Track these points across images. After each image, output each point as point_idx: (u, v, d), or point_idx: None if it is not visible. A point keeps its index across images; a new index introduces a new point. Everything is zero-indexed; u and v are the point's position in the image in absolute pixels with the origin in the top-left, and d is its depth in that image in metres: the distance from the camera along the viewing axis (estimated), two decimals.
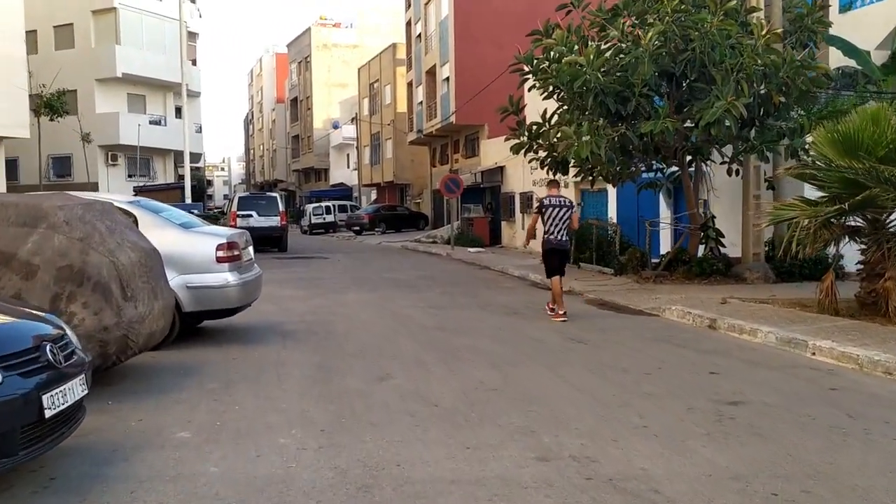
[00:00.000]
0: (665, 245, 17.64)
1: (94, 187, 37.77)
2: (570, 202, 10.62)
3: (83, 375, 4.23)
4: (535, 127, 14.82)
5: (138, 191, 32.79)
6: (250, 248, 8.93)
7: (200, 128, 45.48)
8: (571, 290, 13.93)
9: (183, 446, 4.73)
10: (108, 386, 6.17)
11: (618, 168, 13.48)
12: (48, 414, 3.76)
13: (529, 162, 15.80)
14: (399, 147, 47.35)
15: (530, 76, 14.19)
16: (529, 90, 14.66)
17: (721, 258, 14.38)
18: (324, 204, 47.99)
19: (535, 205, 10.82)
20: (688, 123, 12.99)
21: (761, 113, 13.06)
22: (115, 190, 37.37)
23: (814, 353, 7.65)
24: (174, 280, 7.67)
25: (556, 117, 14.60)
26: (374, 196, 55.48)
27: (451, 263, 21.46)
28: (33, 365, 3.81)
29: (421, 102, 40.24)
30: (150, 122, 39.63)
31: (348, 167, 60.76)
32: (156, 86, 40.32)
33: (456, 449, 4.63)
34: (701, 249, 14.81)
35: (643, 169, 15.41)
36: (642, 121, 12.54)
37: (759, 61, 11.80)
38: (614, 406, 5.65)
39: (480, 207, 32.08)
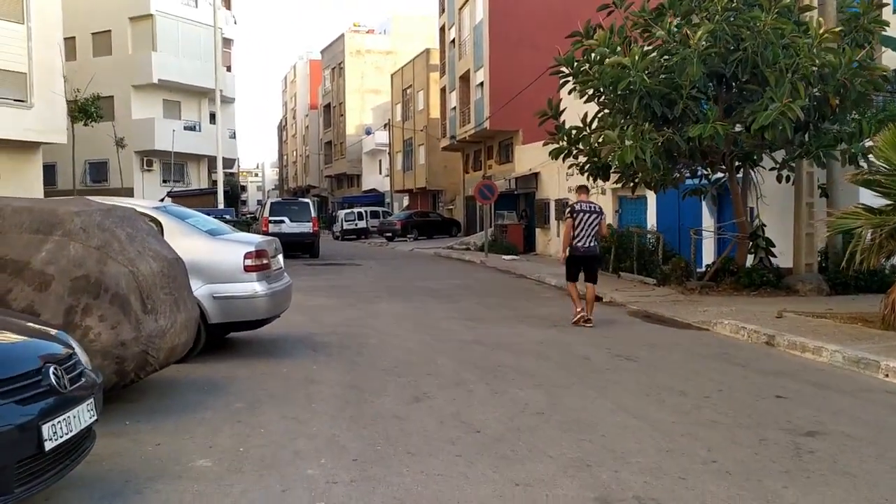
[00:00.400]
0: (708, 254, 16.96)
1: (129, 192, 38.01)
2: (600, 208, 10.56)
3: (92, 400, 3.82)
4: (574, 131, 14.28)
5: (172, 196, 32.90)
6: (280, 257, 8.52)
7: (234, 133, 45.56)
8: (613, 301, 13.37)
9: (202, 477, 4.29)
10: (127, 403, 5.79)
11: (662, 174, 12.88)
12: (49, 446, 3.34)
13: (569, 168, 15.25)
14: (432, 153, 47.01)
15: (570, 79, 13.68)
16: (570, 93, 14.14)
17: (771, 269, 13.70)
18: (356, 210, 47.80)
19: (567, 210, 10.96)
20: (738, 127, 12.37)
21: (816, 116, 12.39)
22: (150, 195, 37.61)
23: (887, 375, 7.02)
24: (200, 289, 7.29)
25: (596, 121, 14.07)
26: (406, 202, 55.21)
27: (485, 272, 20.96)
28: (33, 390, 3.40)
29: (454, 108, 39.85)
30: (185, 128, 39.76)
31: (380, 173, 60.62)
32: (191, 92, 40.46)
33: (504, 486, 4.13)
34: (749, 259, 14.15)
35: (687, 175, 14.80)
36: (690, 124, 11.95)
37: (817, 61, 11.15)
38: (677, 436, 5.11)
39: (514, 214, 31.54)
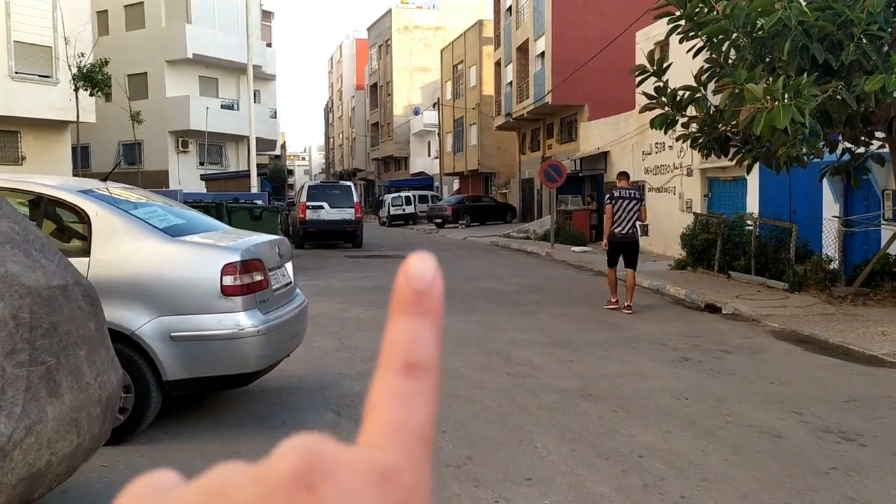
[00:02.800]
0: (830, 250, 13.58)
1: (163, 176, 35.79)
2: (640, 195, 10.69)
3: None
4: (682, 92, 11.04)
5: (206, 179, 30.46)
6: (288, 266, 5.59)
7: (275, 113, 43.01)
8: (738, 313, 10.19)
9: None
10: None
11: (815, 145, 9.56)
12: None
13: (677, 140, 12.00)
14: (484, 133, 43.81)
15: (682, 22, 10.45)
16: (681, 41, 10.91)
17: None
18: (403, 194, 44.99)
19: (606, 198, 10.90)
20: None
21: None
22: (186, 178, 35.28)
23: None
24: (147, 325, 4.42)
25: (711, 78, 10.81)
26: (455, 186, 52.15)
27: (555, 267, 17.81)
28: None
29: (510, 83, 36.52)
30: (222, 107, 37.31)
31: (429, 155, 57.60)
32: (229, 68, 38.01)
33: None
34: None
35: (825, 149, 11.43)
36: (859, 75, 8.66)
37: None
38: None
39: (579, 199, 28.26)
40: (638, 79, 11.42)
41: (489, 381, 6.30)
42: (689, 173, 20.26)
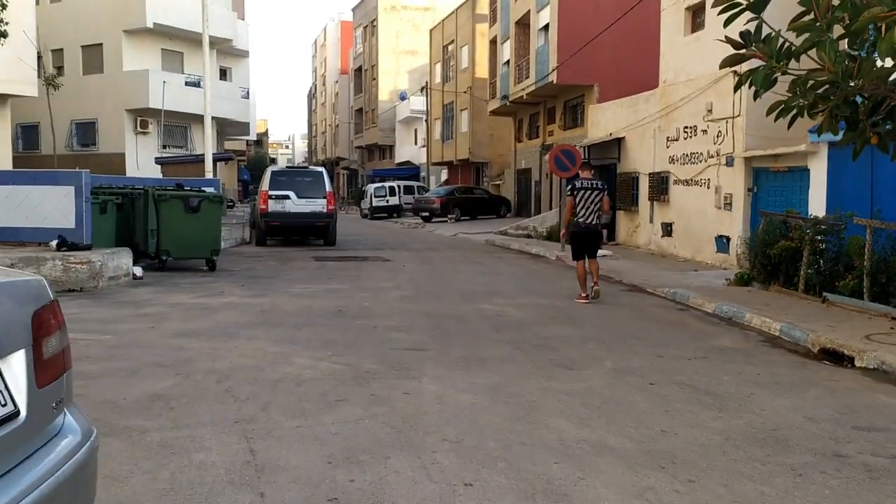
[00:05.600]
0: None
1: (119, 159, 31.89)
2: (602, 185, 10.55)
3: None
4: (784, 38, 7.43)
5: (160, 163, 26.69)
6: (17, 361, 1.95)
7: (248, 93, 39.10)
8: (889, 369, 6.63)
9: None
10: None
11: None
12: None
13: (769, 110, 8.36)
14: (476, 119, 40.14)
15: None
16: None
17: None
18: (387, 184, 41.40)
19: (567, 189, 10.78)
20: None
21: None
22: (144, 162, 31.36)
23: None
24: None
25: (840, 11, 7.22)
26: (444, 176, 48.46)
27: (572, 278, 14.17)
28: None
29: (507, 62, 32.83)
30: (187, 84, 33.37)
31: (416, 143, 53.86)
32: (195, 41, 33.93)
33: None
34: None
35: None
36: None
37: None
38: None
39: None
40: (725, 15, 7.76)
41: None
42: (730, 162, 16.70)
